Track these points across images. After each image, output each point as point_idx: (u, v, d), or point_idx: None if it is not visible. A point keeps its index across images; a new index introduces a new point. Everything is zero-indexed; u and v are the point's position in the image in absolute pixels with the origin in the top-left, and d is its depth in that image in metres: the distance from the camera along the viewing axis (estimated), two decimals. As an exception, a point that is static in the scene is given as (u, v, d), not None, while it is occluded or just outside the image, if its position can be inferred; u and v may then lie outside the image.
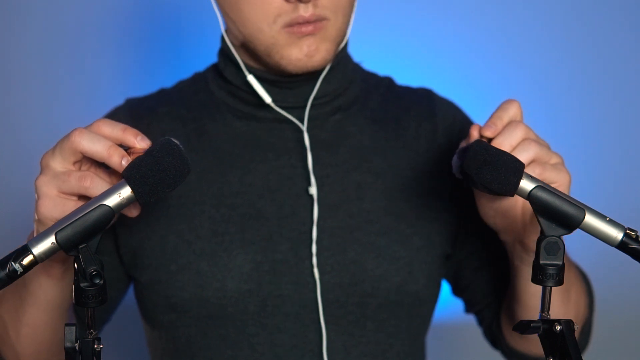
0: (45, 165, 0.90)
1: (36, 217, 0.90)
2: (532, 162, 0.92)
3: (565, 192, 0.93)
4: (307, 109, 1.10)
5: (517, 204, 0.99)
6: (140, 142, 0.88)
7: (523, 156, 0.91)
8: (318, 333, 1.07)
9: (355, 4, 1.09)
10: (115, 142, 0.88)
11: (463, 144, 0.99)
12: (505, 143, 0.91)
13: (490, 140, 0.93)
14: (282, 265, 1.06)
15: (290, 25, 1.02)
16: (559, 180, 0.93)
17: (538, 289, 1.02)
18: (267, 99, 1.09)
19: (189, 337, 1.09)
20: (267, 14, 1.02)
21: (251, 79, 1.09)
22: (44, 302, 1.01)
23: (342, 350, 1.08)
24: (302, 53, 1.03)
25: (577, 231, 0.86)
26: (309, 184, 1.08)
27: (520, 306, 1.09)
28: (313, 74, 1.09)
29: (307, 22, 1.02)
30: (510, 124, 0.94)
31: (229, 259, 1.06)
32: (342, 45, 1.10)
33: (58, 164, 0.89)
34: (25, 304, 1.02)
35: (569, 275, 1.07)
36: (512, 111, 0.95)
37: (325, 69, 1.09)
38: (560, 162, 0.95)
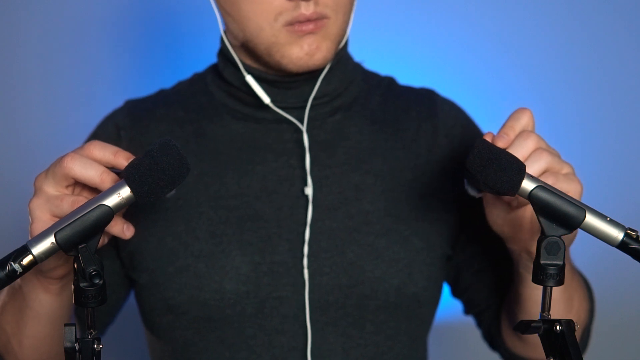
0: (39, 188, 0.90)
1: (30, 239, 0.90)
2: (544, 172, 0.91)
3: None
4: (307, 109, 1.09)
5: (526, 214, 0.97)
6: None
7: (535, 166, 0.90)
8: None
9: (355, 3, 1.09)
10: (107, 166, 0.89)
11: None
12: (517, 153, 0.89)
13: None
14: (280, 266, 1.06)
15: (291, 23, 1.02)
16: (571, 190, 0.91)
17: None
18: (266, 99, 1.08)
19: (187, 339, 1.09)
20: (268, 12, 1.01)
21: (249, 79, 1.08)
22: (44, 315, 1.01)
23: (341, 352, 1.08)
24: (303, 52, 1.03)
25: (577, 231, 0.86)
26: (306, 184, 1.08)
27: (522, 313, 1.08)
28: (313, 74, 1.08)
29: (308, 20, 1.01)
30: (521, 134, 0.92)
31: (226, 260, 1.06)
32: (342, 44, 1.10)
33: (51, 187, 0.90)
34: (26, 317, 1.02)
35: (571, 283, 1.07)
36: (524, 120, 0.94)
37: (325, 68, 1.09)
38: (571, 172, 0.93)
